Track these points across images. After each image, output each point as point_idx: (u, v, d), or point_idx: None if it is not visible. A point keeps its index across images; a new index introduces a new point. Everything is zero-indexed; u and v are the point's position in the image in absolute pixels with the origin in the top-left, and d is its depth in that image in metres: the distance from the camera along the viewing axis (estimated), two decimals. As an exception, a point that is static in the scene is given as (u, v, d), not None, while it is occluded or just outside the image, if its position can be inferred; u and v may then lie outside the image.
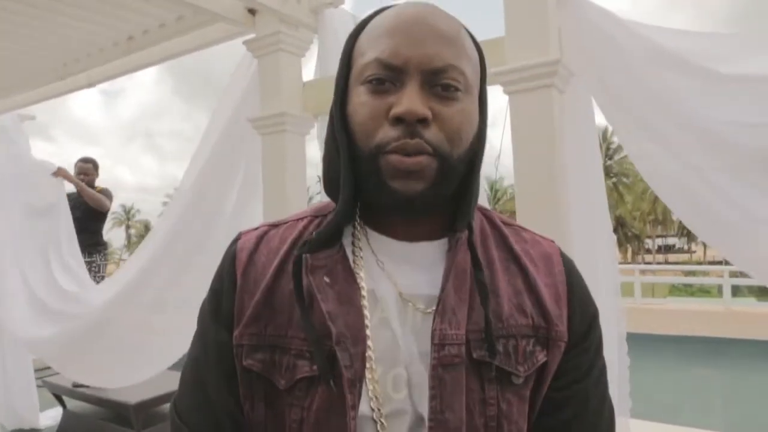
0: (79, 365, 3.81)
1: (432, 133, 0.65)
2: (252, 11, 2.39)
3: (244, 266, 0.74)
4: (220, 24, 2.53)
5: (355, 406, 0.64)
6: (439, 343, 0.66)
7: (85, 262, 4.36)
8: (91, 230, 4.95)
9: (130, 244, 55.54)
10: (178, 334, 3.02)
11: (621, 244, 42.75)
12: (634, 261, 41.64)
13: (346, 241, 0.73)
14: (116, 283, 3.69)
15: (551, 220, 1.70)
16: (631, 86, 1.70)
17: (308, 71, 2.56)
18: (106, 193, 5.25)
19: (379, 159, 0.65)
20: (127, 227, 63.06)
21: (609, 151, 41.88)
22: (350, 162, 0.69)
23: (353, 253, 0.72)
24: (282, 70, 2.39)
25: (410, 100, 0.64)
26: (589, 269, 1.82)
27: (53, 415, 4.57)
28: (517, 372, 0.68)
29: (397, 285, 0.70)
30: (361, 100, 0.68)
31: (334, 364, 0.65)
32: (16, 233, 3.96)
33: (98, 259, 5.08)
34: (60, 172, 4.14)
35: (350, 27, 2.60)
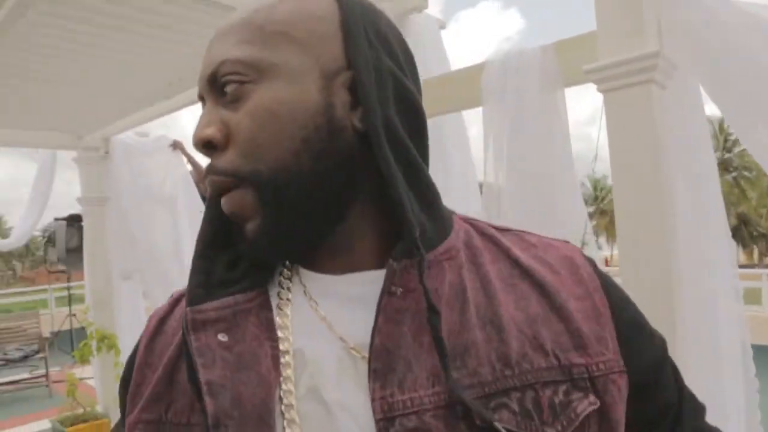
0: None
1: (226, 158, 0.50)
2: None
3: (150, 335, 0.58)
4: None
5: None
6: (384, 418, 0.46)
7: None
8: None
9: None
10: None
11: (745, 245, 39.05)
12: (761, 263, 37.93)
13: (272, 282, 0.56)
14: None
15: (654, 223, 1.56)
16: (742, 70, 1.53)
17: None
18: None
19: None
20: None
21: (727, 143, 38.52)
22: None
23: (279, 296, 0.55)
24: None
25: (197, 125, 0.52)
26: (701, 274, 1.68)
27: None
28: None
29: (340, 335, 0.51)
30: None
31: None
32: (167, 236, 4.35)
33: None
34: (177, 145, 4.51)
35: (436, 30, 2.61)
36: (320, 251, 0.55)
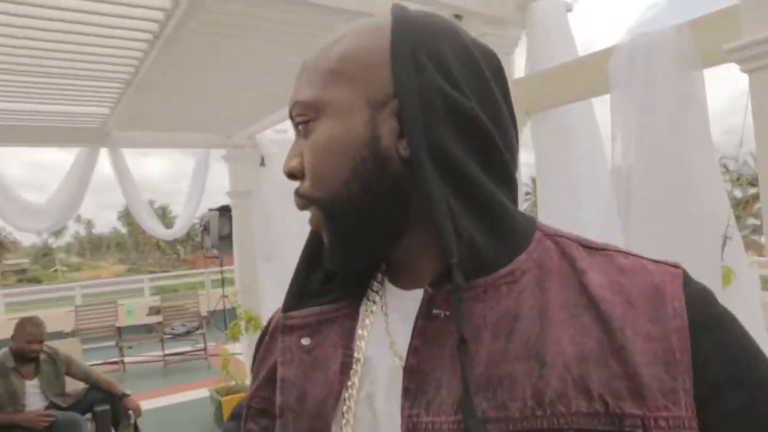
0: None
1: (304, 185, 0.56)
2: (458, 17, 2.45)
3: (273, 327, 0.67)
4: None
5: None
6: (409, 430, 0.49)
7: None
8: None
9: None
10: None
11: None
12: None
13: (368, 301, 0.60)
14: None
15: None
16: None
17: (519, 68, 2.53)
18: None
19: None
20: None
21: None
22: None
23: (366, 308, 0.59)
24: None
25: (287, 156, 0.58)
26: None
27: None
28: None
29: (397, 350, 0.54)
30: None
31: None
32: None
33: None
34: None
35: (562, 15, 2.52)
36: (394, 266, 0.59)
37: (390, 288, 0.59)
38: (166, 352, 7.62)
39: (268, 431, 0.60)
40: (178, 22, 2.37)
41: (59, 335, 5.03)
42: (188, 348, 8.12)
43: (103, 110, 3.88)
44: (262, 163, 4.92)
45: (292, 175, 0.57)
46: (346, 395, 0.54)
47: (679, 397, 0.44)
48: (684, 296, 0.48)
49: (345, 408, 0.54)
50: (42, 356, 3.88)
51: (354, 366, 0.56)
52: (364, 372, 0.55)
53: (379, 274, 0.61)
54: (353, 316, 0.59)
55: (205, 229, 6.32)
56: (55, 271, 70.46)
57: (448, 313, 0.50)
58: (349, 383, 0.55)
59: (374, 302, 0.59)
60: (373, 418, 0.53)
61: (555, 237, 0.55)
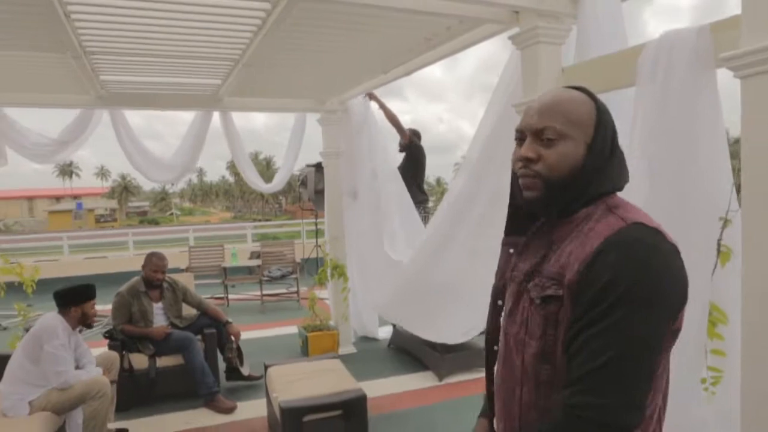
0: (399, 314, 4.97)
1: (537, 166, 1.12)
2: (516, 11, 2.72)
3: None
4: (489, 24, 2.95)
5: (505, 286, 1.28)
6: (512, 269, 1.24)
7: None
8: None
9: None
10: (474, 311, 3.62)
11: None
12: None
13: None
14: (414, 248, 4.57)
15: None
16: None
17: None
18: (416, 134, 6.03)
19: (518, 179, 1.18)
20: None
21: None
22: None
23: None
24: (540, 60, 2.62)
25: (524, 149, 1.14)
26: None
27: (387, 330, 5.94)
28: (533, 295, 1.10)
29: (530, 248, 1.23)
30: (514, 149, 1.20)
31: None
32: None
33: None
34: (372, 96, 5.40)
35: (616, 4, 2.69)
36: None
37: (537, 225, 1.25)
38: (264, 292, 8.43)
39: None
40: (279, 15, 2.80)
41: (176, 270, 5.80)
42: (283, 290, 8.87)
43: (216, 81, 4.49)
44: (370, 98, 5.49)
45: (529, 159, 1.12)
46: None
47: (575, 270, 1.04)
48: (606, 237, 1.03)
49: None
50: (164, 284, 4.70)
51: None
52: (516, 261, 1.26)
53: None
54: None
55: (303, 183, 6.67)
56: (171, 214, 76.52)
57: (544, 229, 1.20)
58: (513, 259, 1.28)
59: (532, 232, 1.26)
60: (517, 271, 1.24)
61: (607, 201, 1.12)
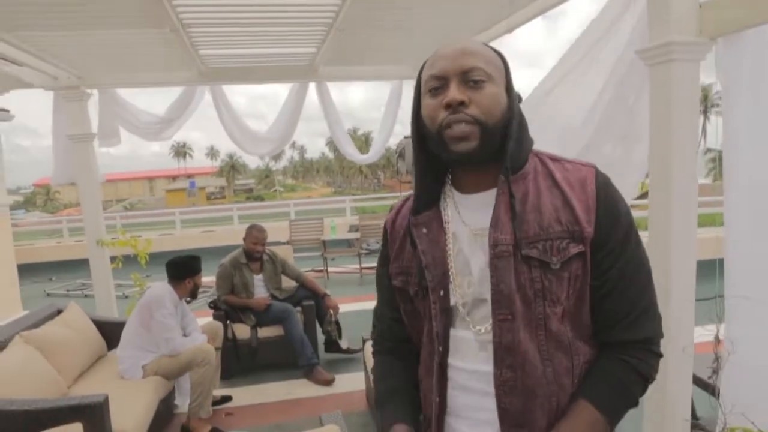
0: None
1: (469, 110, 0.98)
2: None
3: (393, 218, 1.22)
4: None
5: (435, 302, 1.07)
6: (493, 245, 1.01)
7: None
8: None
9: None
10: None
11: None
12: None
13: (443, 203, 1.11)
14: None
15: None
16: None
17: None
18: (519, 98, 5.66)
19: (442, 133, 1.00)
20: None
21: None
22: (420, 150, 1.09)
23: (444, 210, 1.10)
24: (672, -3, 2.27)
25: (452, 92, 0.99)
26: None
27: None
28: (552, 261, 0.98)
29: (469, 226, 1.06)
30: (426, 102, 1.04)
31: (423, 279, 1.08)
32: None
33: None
34: None
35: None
36: (469, 179, 1.09)
37: (460, 196, 1.10)
38: (363, 265, 8.53)
39: (402, 282, 1.15)
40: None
41: (277, 243, 5.94)
42: (381, 263, 8.93)
43: (311, 50, 4.42)
44: None
45: (461, 103, 0.98)
46: (450, 253, 1.07)
47: (592, 222, 0.99)
48: (595, 182, 1.02)
49: (450, 258, 1.07)
50: (265, 257, 4.77)
51: (449, 239, 1.08)
52: (453, 240, 1.08)
53: (449, 192, 1.12)
54: (440, 214, 1.11)
55: (400, 155, 6.60)
56: (275, 190, 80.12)
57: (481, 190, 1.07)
58: (449, 246, 1.08)
59: (448, 206, 1.11)
60: (465, 259, 1.06)
61: (538, 154, 1.08)
